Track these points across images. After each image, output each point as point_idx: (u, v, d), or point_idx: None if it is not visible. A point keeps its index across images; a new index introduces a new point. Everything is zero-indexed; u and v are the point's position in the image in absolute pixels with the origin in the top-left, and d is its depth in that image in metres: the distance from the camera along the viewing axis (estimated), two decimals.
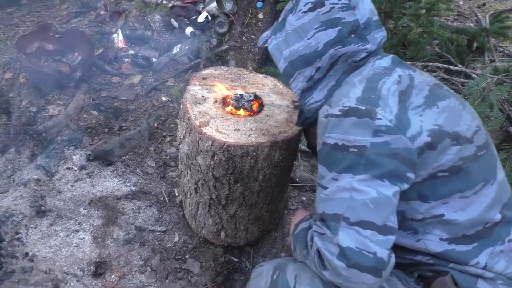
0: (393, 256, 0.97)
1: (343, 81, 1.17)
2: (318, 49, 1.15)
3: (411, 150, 0.97)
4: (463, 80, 2.61)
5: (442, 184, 1.03)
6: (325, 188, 1.03)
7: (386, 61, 1.16)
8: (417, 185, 1.03)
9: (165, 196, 2.17)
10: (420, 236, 1.09)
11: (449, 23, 3.52)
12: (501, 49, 3.17)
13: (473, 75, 2.59)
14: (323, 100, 1.19)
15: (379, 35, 1.18)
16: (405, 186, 0.99)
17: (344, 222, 0.96)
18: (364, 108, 0.99)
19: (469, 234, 1.06)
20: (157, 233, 1.98)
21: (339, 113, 1.03)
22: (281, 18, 1.25)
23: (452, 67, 2.57)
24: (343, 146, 1.00)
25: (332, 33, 1.13)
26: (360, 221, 0.95)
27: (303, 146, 2.56)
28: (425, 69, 2.72)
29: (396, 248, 1.13)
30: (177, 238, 1.97)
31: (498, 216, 1.08)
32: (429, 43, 2.69)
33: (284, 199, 2.05)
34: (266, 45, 1.28)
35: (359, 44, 1.14)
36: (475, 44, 3.04)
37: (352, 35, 1.13)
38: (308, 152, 2.58)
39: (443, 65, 2.55)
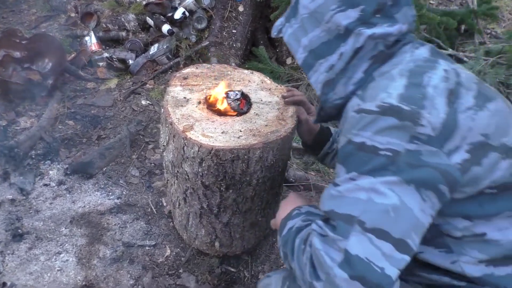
0: (398, 282, 0.82)
1: (373, 72, 1.00)
2: (341, 33, 0.98)
3: (449, 165, 0.84)
4: None
5: (489, 201, 0.90)
6: (337, 185, 0.89)
7: (424, 51, 0.98)
8: (459, 202, 0.89)
9: (153, 207, 2.03)
10: (456, 257, 0.94)
11: (433, 6, 3.43)
12: (488, 31, 3.09)
13: (464, 59, 2.50)
14: (350, 96, 1.03)
15: (410, 14, 1.01)
16: (435, 201, 0.84)
17: (359, 226, 0.81)
18: (409, 109, 0.84)
19: (510, 254, 0.92)
20: (147, 248, 1.85)
21: (376, 109, 0.87)
22: (293, 1, 1.08)
23: (444, 52, 2.47)
24: (373, 147, 0.85)
25: (353, 13, 0.96)
26: (376, 228, 0.81)
27: (294, 143, 2.45)
28: None
29: (418, 266, 1.00)
30: (168, 252, 1.84)
31: None
32: (417, 28, 2.59)
33: (280, 202, 1.93)
34: (280, 35, 1.12)
35: (386, 25, 0.97)
36: (462, 27, 2.95)
37: (378, 15, 0.96)
38: (301, 149, 2.47)
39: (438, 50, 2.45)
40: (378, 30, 0.96)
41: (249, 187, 1.50)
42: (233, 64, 2.80)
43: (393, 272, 0.79)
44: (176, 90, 1.63)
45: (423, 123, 0.83)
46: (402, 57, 0.97)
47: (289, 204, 1.15)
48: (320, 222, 0.88)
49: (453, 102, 0.87)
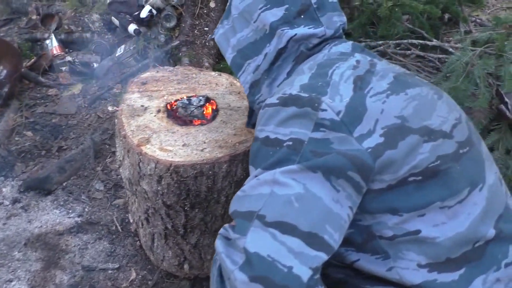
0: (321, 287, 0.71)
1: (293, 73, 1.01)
2: (267, 33, 1.00)
3: (359, 150, 0.77)
4: (440, 55, 2.39)
5: (415, 191, 0.81)
6: (243, 186, 0.83)
7: (345, 47, 0.98)
8: (383, 194, 0.81)
9: (118, 224, 1.84)
10: (392, 263, 0.83)
11: None
12: (473, 19, 2.96)
13: (450, 50, 2.37)
14: None
15: (338, 20, 1.02)
16: (350, 191, 0.76)
17: (258, 221, 0.73)
18: (307, 95, 0.81)
19: (455, 257, 0.81)
20: (110, 271, 1.66)
21: (277, 101, 0.84)
22: (228, 4, 1.10)
23: (428, 43, 2.32)
24: (276, 140, 0.80)
25: (278, 12, 0.98)
26: (279, 222, 0.72)
27: None
28: (398, 47, 2.48)
29: (362, 278, 0.89)
30: (134, 275, 1.66)
31: (491, 232, 0.82)
32: (400, 18, 2.44)
33: None
34: (213, 37, 1.13)
35: (310, 27, 0.98)
36: (446, 16, 2.83)
37: (302, 16, 0.99)
38: None
39: (419, 41, 2.30)
40: (301, 31, 0.97)
41: (218, 205, 1.34)
42: (207, 64, 2.61)
43: (303, 272, 0.69)
44: (133, 98, 1.46)
45: (323, 107, 0.79)
46: (319, 54, 0.98)
47: None
48: (226, 225, 0.80)
49: (361, 88, 0.83)
